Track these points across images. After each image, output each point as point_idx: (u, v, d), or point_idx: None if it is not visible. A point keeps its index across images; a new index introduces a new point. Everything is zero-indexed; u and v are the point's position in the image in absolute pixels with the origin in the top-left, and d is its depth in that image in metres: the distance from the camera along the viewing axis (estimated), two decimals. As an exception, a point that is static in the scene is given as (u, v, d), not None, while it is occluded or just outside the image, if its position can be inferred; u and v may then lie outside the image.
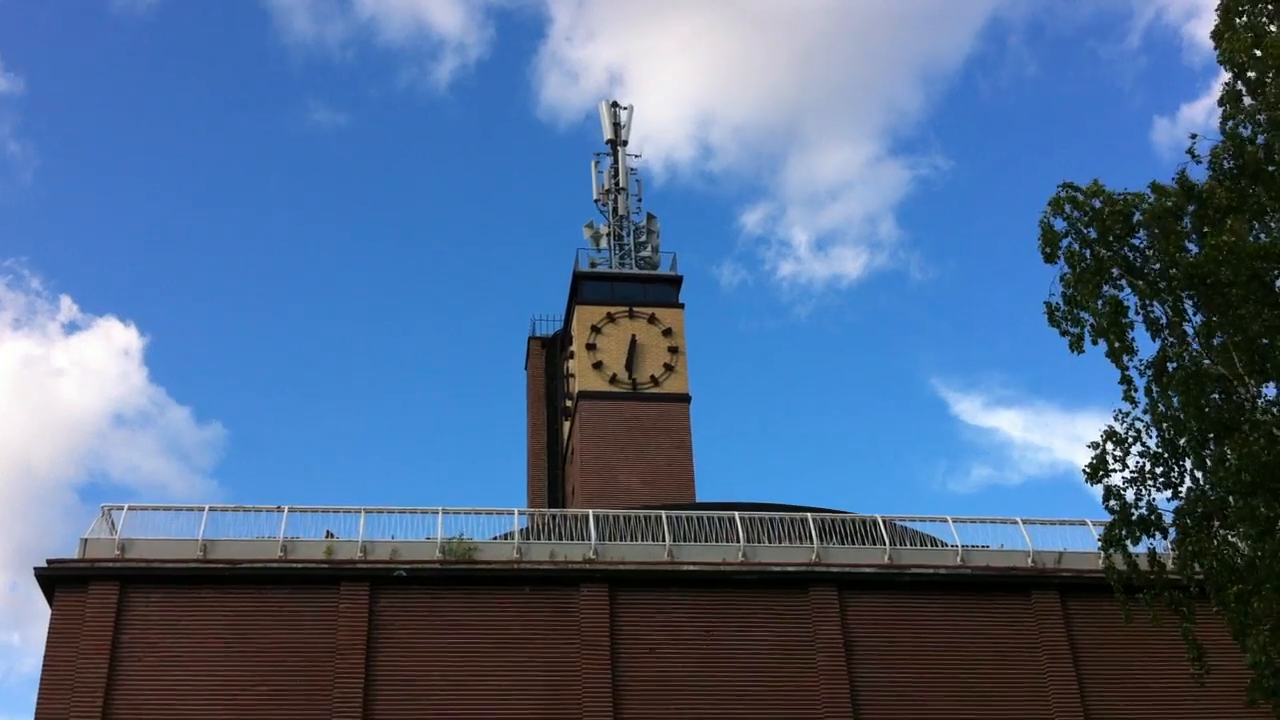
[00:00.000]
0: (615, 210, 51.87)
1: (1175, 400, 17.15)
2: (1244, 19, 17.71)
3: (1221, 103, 17.60)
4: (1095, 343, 17.74)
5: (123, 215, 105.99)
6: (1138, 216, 17.50)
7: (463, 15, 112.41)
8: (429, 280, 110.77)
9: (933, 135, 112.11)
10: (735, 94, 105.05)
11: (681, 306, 48.75)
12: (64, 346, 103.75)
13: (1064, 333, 17.82)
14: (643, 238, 51.20)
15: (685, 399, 46.71)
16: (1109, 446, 17.68)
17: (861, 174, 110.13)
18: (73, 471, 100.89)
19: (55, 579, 26.43)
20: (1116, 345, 17.41)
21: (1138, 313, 17.64)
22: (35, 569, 26.43)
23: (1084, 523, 29.79)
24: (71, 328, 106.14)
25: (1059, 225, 17.86)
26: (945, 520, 29.89)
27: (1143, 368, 17.65)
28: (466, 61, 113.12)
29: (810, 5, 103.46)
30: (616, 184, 52.50)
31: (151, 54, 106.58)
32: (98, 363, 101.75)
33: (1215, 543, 17.06)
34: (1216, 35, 17.83)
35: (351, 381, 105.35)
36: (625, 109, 54.55)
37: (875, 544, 29.17)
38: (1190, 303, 17.52)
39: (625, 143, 53.70)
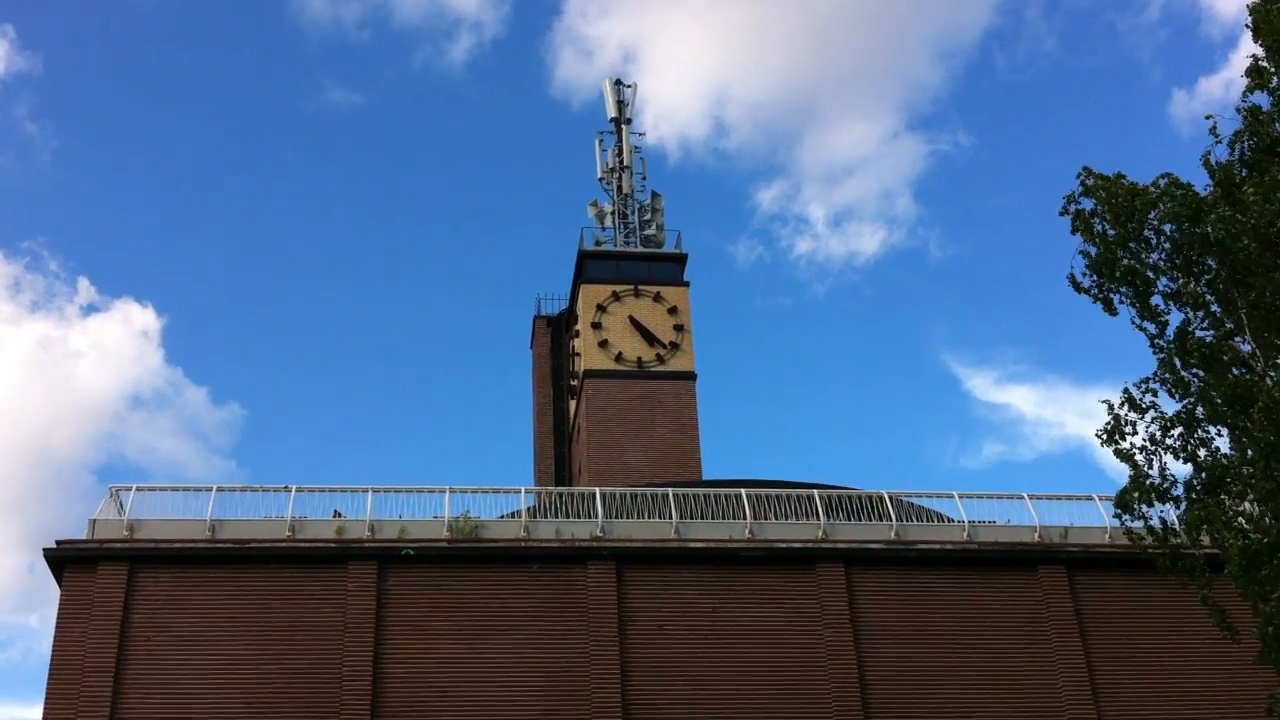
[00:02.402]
0: (620, 189, 51.74)
1: (1195, 371, 17.32)
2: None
3: (1246, 74, 17.64)
4: (1116, 312, 18.00)
5: (140, 197, 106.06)
6: (1157, 194, 17.70)
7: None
8: (440, 260, 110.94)
9: (953, 111, 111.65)
10: (750, 70, 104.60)
11: (686, 284, 48.61)
12: (81, 328, 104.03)
13: (1095, 299, 18.02)
14: (647, 216, 51.09)
15: (691, 376, 46.65)
16: (1124, 411, 17.81)
17: (878, 150, 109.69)
18: (90, 453, 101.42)
19: (64, 560, 26.51)
20: (1140, 315, 17.70)
21: (1155, 285, 17.88)
22: (44, 550, 26.52)
23: (1091, 498, 29.84)
24: (89, 309, 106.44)
25: (1086, 205, 18.17)
26: (952, 496, 29.93)
27: (1166, 342, 17.85)
28: (482, 40, 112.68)
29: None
30: (621, 162, 52.35)
31: (168, 34, 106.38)
32: (115, 344, 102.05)
33: (1225, 512, 17.13)
34: (1251, 10, 17.89)
35: (360, 361, 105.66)
36: (629, 87, 54.35)
37: (882, 520, 29.19)
38: (1204, 276, 17.65)
39: (629, 120, 53.52)
